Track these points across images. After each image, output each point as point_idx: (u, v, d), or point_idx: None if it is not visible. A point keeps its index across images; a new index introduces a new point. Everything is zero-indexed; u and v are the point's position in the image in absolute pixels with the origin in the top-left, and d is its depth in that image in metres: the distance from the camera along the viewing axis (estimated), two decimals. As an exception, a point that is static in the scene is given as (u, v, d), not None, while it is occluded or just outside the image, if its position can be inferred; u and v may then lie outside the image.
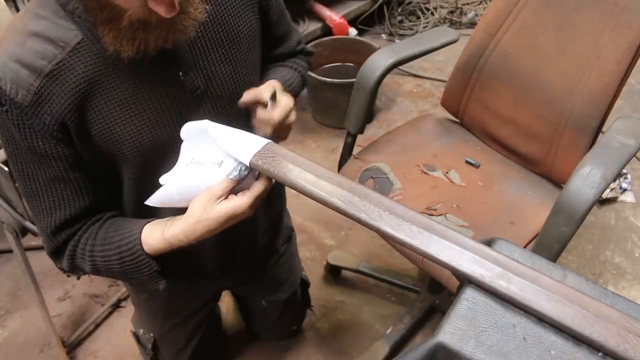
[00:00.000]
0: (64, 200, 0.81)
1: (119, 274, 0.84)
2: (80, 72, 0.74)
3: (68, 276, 1.68)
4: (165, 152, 0.84)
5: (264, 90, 0.87)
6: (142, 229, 0.81)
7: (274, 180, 0.78)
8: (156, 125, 0.81)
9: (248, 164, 0.74)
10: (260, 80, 0.98)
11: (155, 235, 0.80)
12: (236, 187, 0.77)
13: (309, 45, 2.30)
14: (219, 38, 0.84)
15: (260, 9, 0.91)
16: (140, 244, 0.80)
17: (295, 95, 1.02)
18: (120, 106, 0.78)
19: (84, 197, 0.83)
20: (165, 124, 0.82)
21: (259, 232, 1.13)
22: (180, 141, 0.81)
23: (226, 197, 0.75)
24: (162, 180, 0.79)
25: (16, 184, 1.14)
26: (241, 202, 0.74)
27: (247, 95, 0.86)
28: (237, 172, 0.75)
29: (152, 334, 1.27)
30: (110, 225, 0.84)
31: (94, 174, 0.84)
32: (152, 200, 0.79)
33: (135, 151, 0.81)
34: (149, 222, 0.82)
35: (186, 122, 0.80)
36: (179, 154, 0.82)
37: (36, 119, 0.73)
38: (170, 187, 0.78)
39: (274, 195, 1.16)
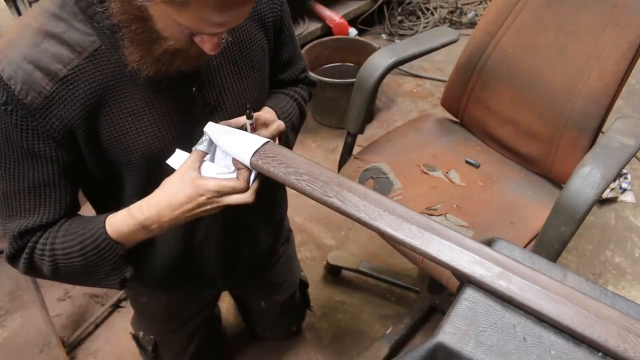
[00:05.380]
0: (45, 205, 0.79)
1: (81, 268, 0.80)
2: (95, 79, 0.73)
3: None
4: None
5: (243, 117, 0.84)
6: (107, 215, 0.80)
7: (251, 180, 0.78)
8: (166, 136, 0.81)
9: (248, 164, 0.74)
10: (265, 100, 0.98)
11: (120, 214, 0.79)
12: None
13: (310, 45, 2.33)
14: (233, 57, 0.85)
15: (274, 29, 0.92)
16: (104, 227, 0.78)
17: (294, 128, 1.02)
18: (132, 116, 0.77)
19: (64, 207, 0.81)
20: (175, 136, 0.82)
21: (261, 237, 1.13)
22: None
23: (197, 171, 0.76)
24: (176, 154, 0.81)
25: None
26: (206, 181, 0.74)
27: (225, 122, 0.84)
28: (203, 144, 0.77)
29: (152, 336, 1.27)
30: (73, 221, 0.82)
31: (94, 184, 0.84)
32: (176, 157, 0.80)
33: (142, 161, 0.81)
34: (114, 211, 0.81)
35: (194, 135, 0.81)
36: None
37: (42, 121, 0.71)
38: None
39: (276, 199, 1.16)
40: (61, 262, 0.80)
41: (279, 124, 0.86)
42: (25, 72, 0.69)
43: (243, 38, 0.86)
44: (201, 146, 0.78)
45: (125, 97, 0.75)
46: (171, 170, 0.83)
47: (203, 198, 0.75)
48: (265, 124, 0.85)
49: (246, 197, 0.76)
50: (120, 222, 0.78)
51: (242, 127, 0.81)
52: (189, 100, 0.81)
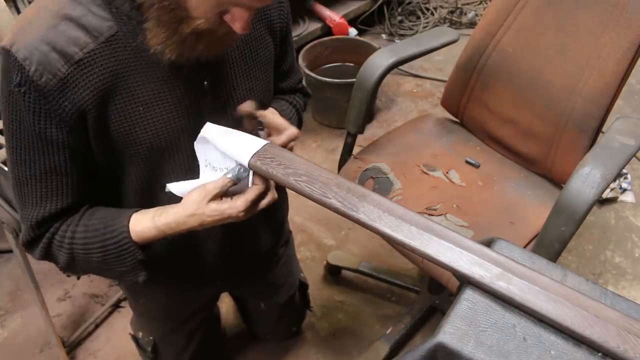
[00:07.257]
0: (57, 192, 0.79)
1: (97, 264, 0.81)
2: (109, 65, 0.72)
3: (68, 276, 1.68)
4: (177, 155, 0.84)
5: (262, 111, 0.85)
6: (130, 217, 0.80)
7: (272, 185, 0.78)
8: (175, 129, 0.81)
9: (247, 165, 0.74)
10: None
11: (144, 223, 0.79)
12: (234, 188, 0.77)
13: (310, 45, 2.33)
14: (243, 55, 0.85)
15: (280, 35, 0.93)
16: (128, 231, 0.79)
17: None
18: (143, 106, 0.77)
19: (77, 193, 0.81)
20: (184, 129, 0.82)
21: (262, 240, 1.13)
22: (192, 146, 0.81)
23: (221, 198, 0.75)
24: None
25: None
26: (234, 205, 0.74)
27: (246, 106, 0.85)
28: (236, 172, 0.75)
29: (151, 337, 1.27)
30: (92, 213, 0.82)
31: (97, 170, 0.84)
32: (173, 187, 0.80)
33: (149, 152, 0.81)
34: (136, 210, 0.81)
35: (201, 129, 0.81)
36: (190, 157, 0.83)
37: (55, 104, 0.71)
38: (192, 185, 0.79)
39: (278, 201, 1.15)
40: (79, 254, 0.81)
41: (292, 131, 0.85)
42: (42, 53, 0.69)
43: (253, 39, 0.87)
44: (234, 174, 0.76)
45: (137, 85, 0.75)
46: (175, 164, 0.83)
47: (231, 218, 0.76)
48: (278, 130, 0.84)
49: (238, 206, 0.75)
50: (145, 233, 0.79)
51: (254, 133, 0.81)
52: (200, 94, 0.81)
